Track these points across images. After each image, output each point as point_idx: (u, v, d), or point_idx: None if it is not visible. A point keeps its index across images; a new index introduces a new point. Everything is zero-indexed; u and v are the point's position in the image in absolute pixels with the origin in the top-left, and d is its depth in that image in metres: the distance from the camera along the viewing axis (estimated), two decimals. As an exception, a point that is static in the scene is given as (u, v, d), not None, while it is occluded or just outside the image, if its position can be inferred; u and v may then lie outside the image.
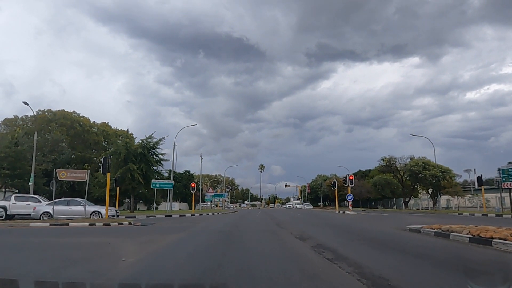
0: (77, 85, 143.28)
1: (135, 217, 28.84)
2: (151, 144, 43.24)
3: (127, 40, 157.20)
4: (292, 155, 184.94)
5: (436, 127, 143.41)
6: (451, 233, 9.91)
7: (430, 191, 45.18)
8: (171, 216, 31.81)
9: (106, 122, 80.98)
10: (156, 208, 72.73)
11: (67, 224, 16.75)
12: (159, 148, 44.16)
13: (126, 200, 70.59)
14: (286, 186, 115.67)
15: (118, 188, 31.30)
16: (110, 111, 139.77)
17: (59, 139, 60.20)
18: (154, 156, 43.86)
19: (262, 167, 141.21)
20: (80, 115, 74.92)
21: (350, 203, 34.11)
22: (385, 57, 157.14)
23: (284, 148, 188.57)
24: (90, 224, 16.89)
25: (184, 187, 72.13)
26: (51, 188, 17.98)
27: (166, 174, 47.64)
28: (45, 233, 13.21)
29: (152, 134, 43.23)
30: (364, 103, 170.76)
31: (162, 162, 44.43)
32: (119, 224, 17.53)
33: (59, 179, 19.52)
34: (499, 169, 31.67)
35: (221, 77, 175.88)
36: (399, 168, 49.10)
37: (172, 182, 37.22)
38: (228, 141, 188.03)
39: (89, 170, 20.18)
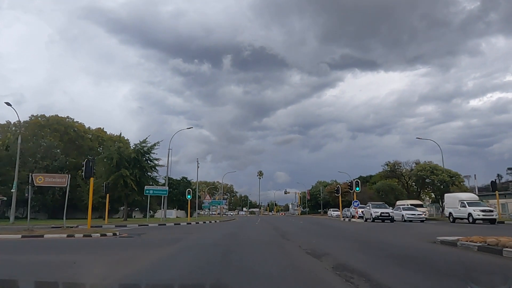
0: (87, 95, 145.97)
1: (125, 226, 26.77)
2: (145, 148, 41.18)
3: (139, 50, 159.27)
4: (296, 162, 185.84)
5: (437, 134, 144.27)
6: (504, 249, 7.91)
7: (433, 196, 43.21)
8: (165, 224, 29.71)
9: (102, 128, 78.86)
10: (153, 216, 70.49)
11: (42, 236, 14.68)
12: (154, 153, 42.15)
13: (122, 208, 68.27)
14: (285, 192, 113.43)
15: (108, 195, 29.13)
16: (116, 118, 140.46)
17: (52, 145, 58.08)
18: (149, 161, 41.75)
19: (260, 173, 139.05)
20: (74, 120, 72.86)
21: (357, 210, 31.95)
22: (399, 66, 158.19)
23: (288, 155, 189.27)
24: (68, 236, 14.82)
25: (182, 194, 69.85)
26: (26, 195, 15.93)
27: (162, 181, 45.59)
28: (7, 247, 11.15)
29: (147, 138, 41.23)
30: (369, 110, 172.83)
31: (157, 167, 42.33)
32: (101, 235, 15.46)
33: (35, 184, 17.52)
34: None
35: (230, 86, 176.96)
36: (404, 173, 47.13)
37: (167, 188, 35.11)
38: (234, 148, 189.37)
39: (69, 175, 18.12)
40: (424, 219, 28.09)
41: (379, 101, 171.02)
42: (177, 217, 64.61)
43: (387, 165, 48.58)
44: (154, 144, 41.61)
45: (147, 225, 28.28)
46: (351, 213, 41.70)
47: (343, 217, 41.32)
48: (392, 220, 27.18)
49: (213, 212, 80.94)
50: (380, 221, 27.25)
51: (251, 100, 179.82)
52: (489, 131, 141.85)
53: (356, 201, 31.08)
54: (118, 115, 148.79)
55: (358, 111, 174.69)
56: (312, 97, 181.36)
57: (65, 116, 71.75)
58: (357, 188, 30.95)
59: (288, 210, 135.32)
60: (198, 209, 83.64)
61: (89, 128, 75.23)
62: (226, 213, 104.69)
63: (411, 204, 30.58)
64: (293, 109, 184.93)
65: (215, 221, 39.12)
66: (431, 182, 39.69)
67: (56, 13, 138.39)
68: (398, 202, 33.69)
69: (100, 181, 39.80)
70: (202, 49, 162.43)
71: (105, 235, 15.59)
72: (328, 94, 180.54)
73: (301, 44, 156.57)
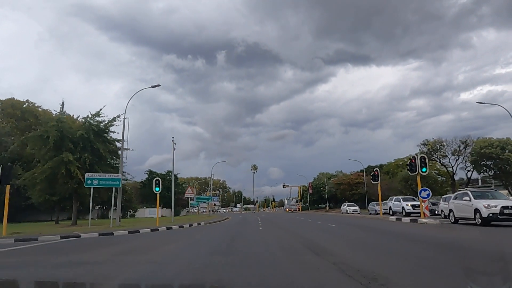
0: (77, 93, 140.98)
1: (36, 239, 15.19)
2: (101, 126, 29.34)
3: (130, 47, 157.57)
4: (289, 158, 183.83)
5: (428, 127, 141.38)
6: None
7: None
8: (112, 234, 18.18)
9: (72, 115, 66.82)
10: (133, 216, 58.59)
11: None
12: (113, 132, 30.35)
13: (97, 207, 56.47)
14: (284, 186, 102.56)
15: (8, 186, 17.01)
16: (107, 116, 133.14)
17: (2, 132, 47.08)
18: (107, 143, 29.87)
19: (255, 167, 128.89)
20: (36, 105, 60.68)
21: (426, 203, 19.52)
22: (391, 61, 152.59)
23: (281, 151, 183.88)
24: None
25: (167, 190, 57.96)
26: None
27: (134, 172, 33.93)
28: None
29: (101, 110, 29.28)
30: (361, 105, 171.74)
31: (117, 152, 30.37)
32: None
33: None
34: None
35: (223, 83, 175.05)
36: (449, 155, 35.87)
37: (120, 177, 23.33)
38: (227, 145, 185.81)
39: None
40: None
41: (371, 95, 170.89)
42: (162, 216, 52.76)
43: (424, 144, 37.23)
44: (113, 119, 29.73)
45: (79, 236, 16.83)
46: (401, 208, 29.31)
47: (394, 215, 29.17)
48: None
49: (204, 210, 69.47)
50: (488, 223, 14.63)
51: (244, 96, 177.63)
52: (480, 123, 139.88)
53: (425, 189, 18.65)
54: (110, 113, 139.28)
55: (350, 106, 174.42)
56: (304, 93, 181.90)
57: (24, 100, 59.65)
58: (424, 169, 19.04)
59: (283, 206, 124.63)
60: (173, 206, 71.82)
61: (56, 115, 63.12)
62: (219, 210, 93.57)
63: None
64: (286, 105, 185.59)
65: (199, 224, 27.51)
66: (498, 163, 28.44)
67: (46, 11, 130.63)
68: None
69: (36, 170, 28.16)
70: (194, 46, 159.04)
71: None
72: (321, 90, 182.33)
73: (295, 39, 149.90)
